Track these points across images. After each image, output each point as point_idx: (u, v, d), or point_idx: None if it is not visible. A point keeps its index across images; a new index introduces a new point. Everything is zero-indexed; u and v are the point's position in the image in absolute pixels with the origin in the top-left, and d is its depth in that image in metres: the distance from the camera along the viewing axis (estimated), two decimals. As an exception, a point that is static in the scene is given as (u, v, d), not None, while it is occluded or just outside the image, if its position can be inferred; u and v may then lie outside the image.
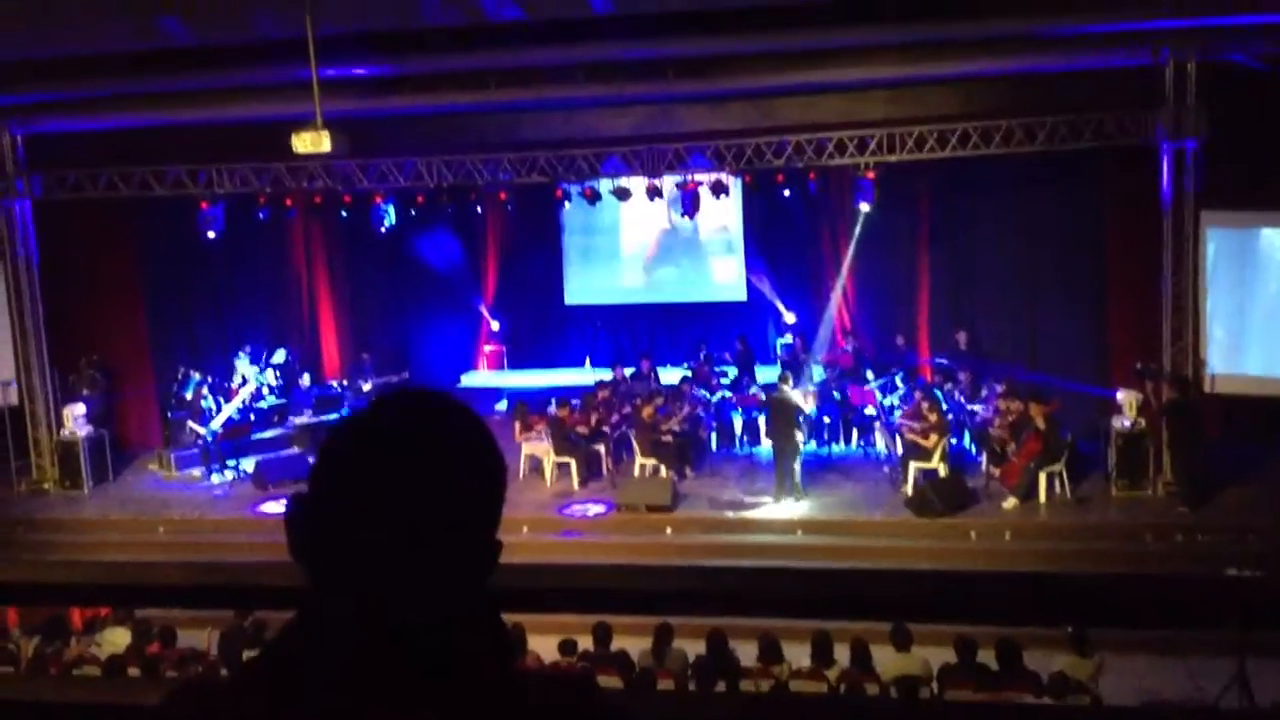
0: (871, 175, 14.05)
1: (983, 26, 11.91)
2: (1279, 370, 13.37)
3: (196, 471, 15.47)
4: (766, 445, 14.60)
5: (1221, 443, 13.62)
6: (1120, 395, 13.34)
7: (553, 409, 14.60)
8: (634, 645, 9.03)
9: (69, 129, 14.73)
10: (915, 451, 13.41)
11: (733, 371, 16.41)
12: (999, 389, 14.14)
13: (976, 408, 14.56)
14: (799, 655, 8.89)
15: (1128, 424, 13.14)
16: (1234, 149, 12.50)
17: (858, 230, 15.53)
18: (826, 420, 15.11)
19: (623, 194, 15.17)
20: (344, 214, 16.42)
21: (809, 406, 14.16)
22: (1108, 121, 13.10)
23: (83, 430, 15.32)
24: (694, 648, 8.90)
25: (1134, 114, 12.96)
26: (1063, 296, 15.27)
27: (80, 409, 15.39)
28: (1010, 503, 12.95)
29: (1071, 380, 14.02)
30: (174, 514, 14.29)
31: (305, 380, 16.80)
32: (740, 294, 17.99)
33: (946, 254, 16.28)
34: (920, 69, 12.93)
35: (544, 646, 8.91)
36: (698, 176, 14.83)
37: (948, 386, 15.09)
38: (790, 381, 13.86)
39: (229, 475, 15.30)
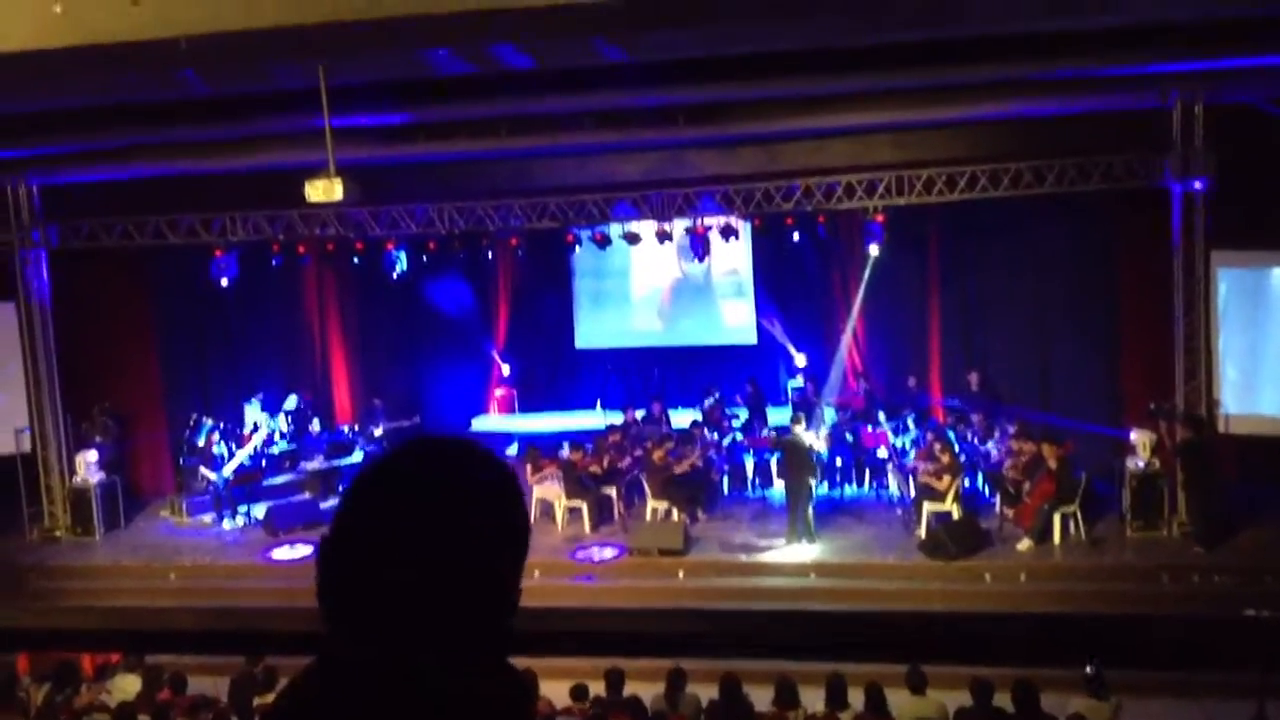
0: (880, 218, 14.09)
1: (989, 71, 11.98)
2: (1293, 410, 13.33)
3: (208, 518, 15.48)
4: (778, 488, 14.54)
5: (1237, 483, 13.53)
6: (1134, 435, 13.28)
7: (564, 452, 14.58)
8: (646, 691, 8.94)
9: (84, 179, 14.87)
10: (928, 493, 13.34)
11: (744, 414, 16.39)
12: (1011, 430, 14.10)
13: (989, 448, 14.49)
14: (813, 700, 8.80)
15: (1142, 464, 13.08)
16: (1244, 190, 12.50)
17: (867, 272, 15.52)
18: (839, 463, 15.07)
19: (633, 238, 15.24)
20: (356, 261, 16.54)
21: (821, 448, 14.12)
22: (1116, 164, 13.15)
23: (95, 477, 15.35)
24: (707, 692, 8.81)
25: (1142, 156, 13.01)
26: (1075, 337, 15.23)
27: (93, 456, 15.44)
28: (1025, 544, 12.86)
29: (1085, 421, 13.94)
30: (185, 560, 14.28)
31: (316, 426, 16.83)
32: (751, 337, 17.99)
33: (957, 295, 16.29)
34: (927, 113, 12.98)
35: (555, 692, 8.84)
36: (707, 220, 14.90)
37: (960, 428, 15.05)
38: (803, 424, 13.84)
39: (240, 521, 15.30)
